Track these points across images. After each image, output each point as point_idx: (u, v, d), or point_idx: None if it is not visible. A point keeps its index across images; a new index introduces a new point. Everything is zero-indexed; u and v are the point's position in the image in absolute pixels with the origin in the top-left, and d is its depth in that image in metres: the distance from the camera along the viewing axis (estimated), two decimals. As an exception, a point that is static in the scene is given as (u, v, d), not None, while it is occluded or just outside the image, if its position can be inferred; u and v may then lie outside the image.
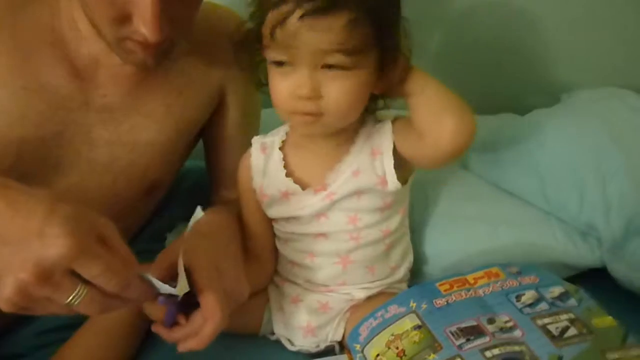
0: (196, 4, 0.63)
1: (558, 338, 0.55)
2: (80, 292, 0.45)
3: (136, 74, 0.68)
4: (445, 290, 0.63)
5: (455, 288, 0.64)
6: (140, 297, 0.49)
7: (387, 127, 0.64)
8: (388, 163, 0.63)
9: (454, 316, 0.59)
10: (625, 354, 0.54)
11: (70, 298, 0.44)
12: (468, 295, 0.62)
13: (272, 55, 0.58)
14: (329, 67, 0.56)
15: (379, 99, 0.65)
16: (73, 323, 0.66)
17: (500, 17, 1.12)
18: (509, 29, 1.13)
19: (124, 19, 0.58)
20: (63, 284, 0.44)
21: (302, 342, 0.68)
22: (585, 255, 0.76)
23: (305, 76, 0.57)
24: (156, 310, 0.56)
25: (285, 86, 0.58)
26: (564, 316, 0.58)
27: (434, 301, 0.61)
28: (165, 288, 0.52)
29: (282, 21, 0.54)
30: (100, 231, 0.47)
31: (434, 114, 0.59)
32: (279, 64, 0.58)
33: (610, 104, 0.86)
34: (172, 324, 0.56)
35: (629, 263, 0.73)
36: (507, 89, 1.16)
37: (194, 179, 0.94)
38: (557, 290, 0.62)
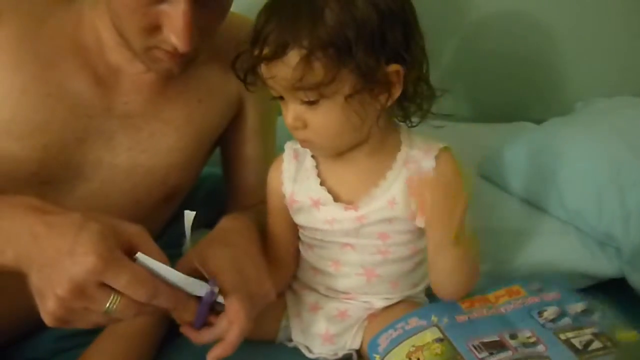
0: (224, 14, 0.65)
1: (582, 351, 0.55)
2: (114, 300, 0.47)
3: (157, 81, 0.69)
4: (466, 308, 0.64)
5: (476, 306, 0.64)
6: (170, 304, 0.50)
7: (429, 164, 0.64)
8: None
9: (476, 331, 0.59)
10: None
11: (107, 306, 0.47)
12: (490, 313, 0.63)
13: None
14: (303, 101, 0.58)
15: (407, 107, 0.64)
16: (91, 329, 0.66)
17: (514, 26, 1.13)
18: (523, 38, 1.14)
19: (154, 28, 0.60)
20: (96, 295, 0.47)
21: (320, 349, 0.67)
22: (603, 265, 0.76)
23: (289, 109, 0.60)
24: (185, 314, 0.56)
25: (284, 115, 0.62)
26: (588, 330, 0.57)
27: (455, 317, 0.62)
28: (197, 289, 0.52)
29: (253, 66, 0.59)
30: (131, 242, 0.49)
31: (446, 274, 0.64)
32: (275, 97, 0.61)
33: (626, 113, 0.86)
34: (202, 325, 0.56)
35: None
36: (521, 97, 1.16)
37: (211, 186, 0.94)
38: (580, 306, 0.61)
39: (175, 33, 0.58)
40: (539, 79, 1.18)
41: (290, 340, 0.70)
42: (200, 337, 0.56)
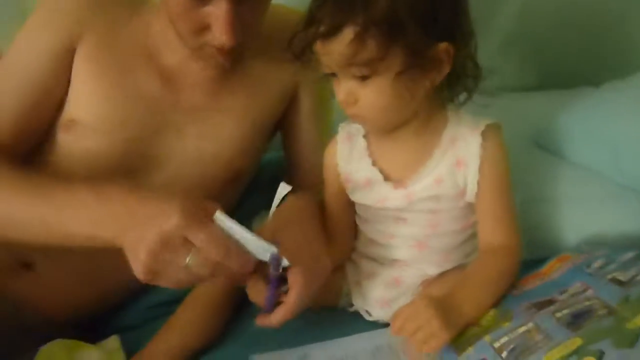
0: (263, 8, 0.70)
1: (627, 283, 0.56)
2: (193, 255, 0.54)
3: (215, 76, 0.76)
4: (521, 284, 0.66)
5: (530, 281, 0.66)
6: (239, 266, 0.57)
7: (476, 140, 0.66)
8: (472, 178, 0.66)
9: (529, 297, 0.61)
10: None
11: (187, 260, 0.54)
12: (543, 282, 0.64)
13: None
14: (355, 76, 0.61)
15: (455, 85, 0.66)
16: (178, 298, 0.75)
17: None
18: (580, 4, 1.10)
19: (203, 29, 0.67)
20: (179, 249, 0.55)
21: (378, 313, 0.72)
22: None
23: (342, 85, 0.63)
24: (258, 295, 0.62)
25: (336, 93, 0.65)
26: (634, 270, 0.58)
27: (511, 292, 0.64)
28: (266, 249, 0.58)
29: (309, 44, 0.62)
30: (210, 211, 0.57)
31: None
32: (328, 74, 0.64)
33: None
34: (273, 305, 0.62)
35: None
36: (586, 62, 1.12)
37: (274, 170, 1.00)
38: (629, 255, 0.62)
39: (220, 30, 0.64)
40: (604, 43, 1.13)
41: (351, 305, 0.75)
42: (274, 317, 0.62)
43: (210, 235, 0.55)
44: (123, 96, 0.73)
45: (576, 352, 0.50)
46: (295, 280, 0.61)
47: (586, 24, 1.09)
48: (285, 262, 0.59)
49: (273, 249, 0.58)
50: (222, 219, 0.56)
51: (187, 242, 0.54)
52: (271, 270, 0.59)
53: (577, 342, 0.51)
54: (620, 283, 0.56)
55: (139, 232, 0.55)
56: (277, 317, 0.62)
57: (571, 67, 1.13)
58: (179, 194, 0.58)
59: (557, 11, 1.10)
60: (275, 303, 0.62)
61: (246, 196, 0.92)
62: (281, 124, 0.86)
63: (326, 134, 0.85)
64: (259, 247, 0.58)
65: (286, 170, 0.90)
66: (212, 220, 0.56)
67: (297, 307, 0.61)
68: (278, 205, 0.61)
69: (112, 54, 0.73)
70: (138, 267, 0.55)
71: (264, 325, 0.63)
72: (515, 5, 1.10)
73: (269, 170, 0.99)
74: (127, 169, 0.74)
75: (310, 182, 0.83)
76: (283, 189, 0.60)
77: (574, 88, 1.05)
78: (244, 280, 0.61)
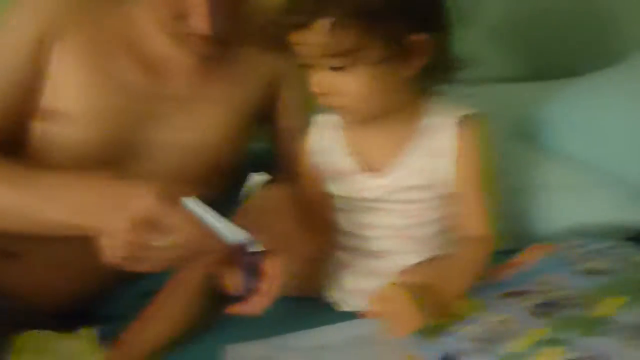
0: None
1: (597, 273, 0.57)
2: (168, 238, 0.56)
3: (200, 65, 0.76)
4: (493, 274, 0.66)
5: (507, 269, 0.66)
6: (213, 248, 0.58)
7: (452, 130, 0.66)
8: (449, 168, 0.66)
9: (503, 287, 0.62)
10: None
11: (162, 242, 0.56)
12: (517, 272, 0.64)
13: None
14: (332, 67, 0.61)
15: (432, 76, 0.66)
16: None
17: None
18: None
19: (183, 16, 0.66)
20: (154, 230, 0.56)
21: (358, 303, 0.72)
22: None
23: (317, 76, 0.63)
24: (233, 281, 0.63)
25: (311, 84, 0.64)
26: (607, 260, 0.59)
27: (485, 282, 0.64)
28: (237, 235, 0.59)
29: (286, 33, 0.62)
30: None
31: None
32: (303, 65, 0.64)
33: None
34: (249, 291, 0.62)
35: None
36: (568, 54, 1.12)
37: (262, 161, 1.01)
38: (602, 246, 0.63)
39: (199, 18, 0.65)
40: (590, 34, 1.13)
41: (331, 296, 0.76)
42: (250, 305, 0.62)
43: (184, 218, 0.56)
44: (105, 86, 0.73)
45: (544, 340, 0.50)
46: (270, 267, 0.62)
47: (571, 15, 1.09)
48: (258, 247, 0.60)
49: (244, 234, 0.59)
50: (193, 205, 0.57)
51: (161, 225, 0.56)
52: (244, 255, 0.60)
53: (545, 331, 0.51)
54: (590, 273, 0.57)
55: (115, 214, 0.56)
56: (254, 304, 0.62)
57: (557, 58, 1.13)
58: (156, 181, 0.59)
59: (543, 1, 1.09)
60: (251, 291, 0.62)
61: (233, 187, 0.93)
62: (267, 114, 0.86)
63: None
64: (231, 232, 0.59)
65: (273, 160, 0.90)
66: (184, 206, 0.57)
67: (273, 294, 0.62)
68: (249, 195, 0.61)
69: (94, 45, 0.73)
70: (113, 251, 0.56)
71: (239, 314, 0.63)
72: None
73: (256, 162, 1.00)
74: (109, 159, 0.74)
75: (294, 172, 0.84)
76: (253, 178, 0.61)
77: (559, 79, 1.04)
78: (219, 266, 0.62)
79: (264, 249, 0.60)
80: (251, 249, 0.60)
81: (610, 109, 0.80)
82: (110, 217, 0.56)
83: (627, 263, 0.57)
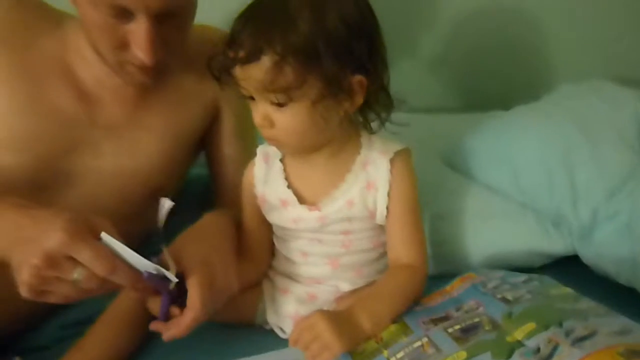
0: (186, 27, 0.71)
1: (513, 302, 0.60)
2: (80, 272, 0.56)
3: (137, 93, 0.76)
4: (425, 302, 0.69)
5: (434, 298, 0.69)
6: (127, 281, 0.58)
7: (385, 165, 0.69)
8: (381, 201, 0.69)
9: (428, 313, 0.65)
10: (574, 305, 0.59)
11: (74, 277, 0.55)
12: (445, 299, 0.68)
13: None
14: (272, 102, 0.63)
15: (368, 114, 0.69)
16: (92, 318, 0.74)
17: (493, 17, 1.17)
18: (502, 29, 1.17)
19: (123, 46, 0.67)
20: (65, 266, 0.56)
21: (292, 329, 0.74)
22: (558, 243, 0.80)
23: (259, 109, 0.65)
24: (156, 305, 0.64)
25: (253, 114, 0.66)
26: (524, 290, 0.62)
27: (413, 308, 0.67)
28: (147, 268, 0.59)
29: (228, 67, 0.64)
30: (97, 228, 0.57)
31: None
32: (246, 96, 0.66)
33: (585, 96, 0.90)
34: (167, 316, 0.63)
35: (597, 250, 0.77)
36: (498, 87, 1.20)
37: (202, 186, 1.01)
38: (521, 278, 0.66)
39: (140, 48, 0.65)
40: (520, 68, 1.21)
41: (267, 323, 0.77)
42: (167, 329, 0.63)
43: (94, 252, 0.56)
44: (36, 112, 0.72)
45: (461, 364, 0.53)
46: (191, 294, 0.62)
47: (505, 50, 1.16)
48: (171, 277, 0.61)
49: (154, 265, 0.60)
50: (107, 240, 0.57)
51: (72, 260, 0.55)
52: (156, 285, 0.61)
53: (462, 355, 0.54)
54: (507, 301, 0.60)
55: (25, 248, 0.56)
56: (169, 334, 0.63)
57: (491, 90, 1.20)
58: (66, 211, 0.58)
59: (480, 37, 1.17)
60: (169, 317, 0.63)
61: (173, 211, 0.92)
62: (205, 141, 0.87)
63: (251, 152, 0.87)
64: (142, 264, 0.59)
65: (212, 187, 0.91)
66: (99, 238, 0.57)
67: (186, 323, 0.62)
68: (165, 220, 0.62)
69: (25, 70, 0.72)
70: (22, 286, 0.56)
71: (158, 330, 0.64)
72: (443, 29, 1.17)
73: (196, 186, 1.00)
74: (38, 186, 0.73)
75: (232, 199, 0.84)
76: (165, 203, 0.62)
77: (492, 110, 1.11)
78: (140, 294, 0.63)
79: (176, 280, 0.61)
80: (163, 279, 0.61)
81: (523, 142, 0.86)
82: (22, 253, 0.56)
83: (538, 294, 0.61)
